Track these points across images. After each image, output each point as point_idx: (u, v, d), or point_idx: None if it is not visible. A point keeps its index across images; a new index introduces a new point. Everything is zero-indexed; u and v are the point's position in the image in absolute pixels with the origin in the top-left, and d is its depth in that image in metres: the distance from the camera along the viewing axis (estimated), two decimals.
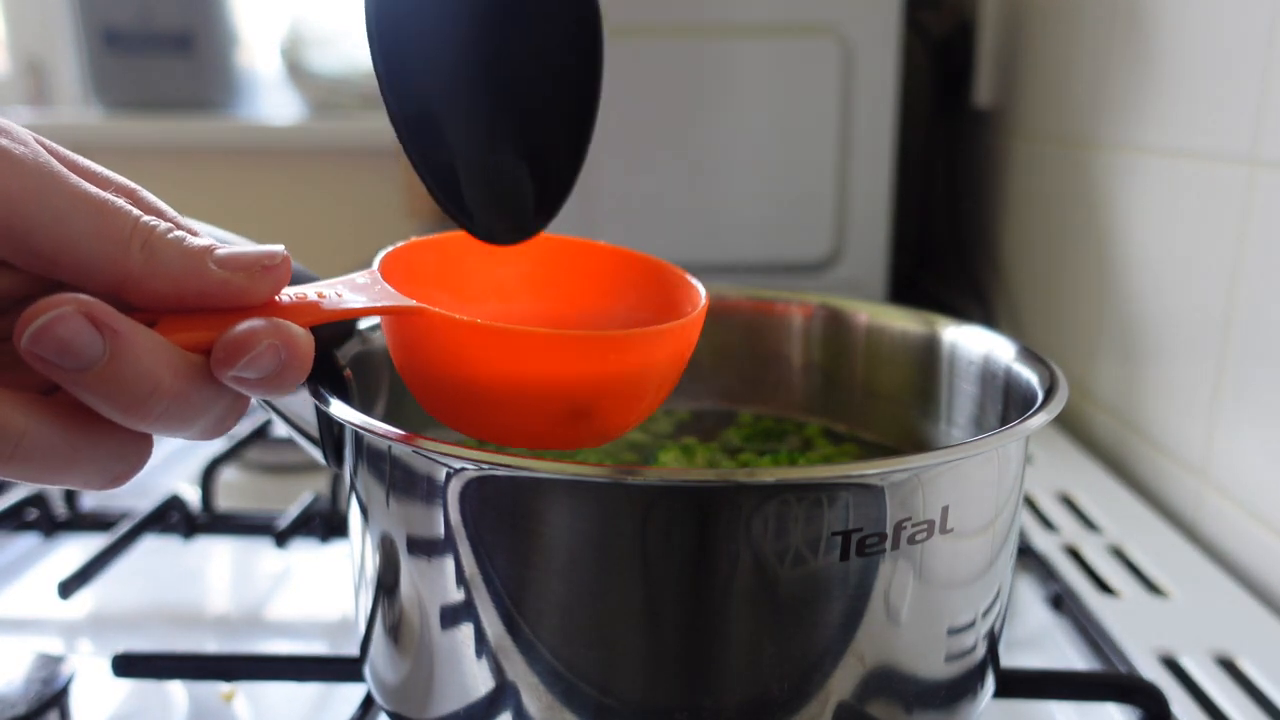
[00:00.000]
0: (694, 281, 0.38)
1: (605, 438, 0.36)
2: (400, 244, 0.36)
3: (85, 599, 0.54)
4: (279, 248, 0.28)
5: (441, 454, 0.31)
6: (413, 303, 0.32)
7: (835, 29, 0.91)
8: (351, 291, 0.31)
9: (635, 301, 0.40)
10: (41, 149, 0.26)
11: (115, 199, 0.26)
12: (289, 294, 0.29)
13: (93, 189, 0.26)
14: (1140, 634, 0.50)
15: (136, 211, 0.27)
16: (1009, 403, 0.41)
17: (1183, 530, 0.64)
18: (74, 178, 0.26)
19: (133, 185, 0.28)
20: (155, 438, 0.28)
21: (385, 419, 0.33)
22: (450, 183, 0.35)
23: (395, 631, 0.35)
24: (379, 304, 0.31)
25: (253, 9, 1.61)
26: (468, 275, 0.39)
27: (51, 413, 0.25)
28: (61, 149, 0.27)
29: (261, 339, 0.26)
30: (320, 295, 0.30)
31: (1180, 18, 0.66)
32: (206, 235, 0.28)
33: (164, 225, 0.27)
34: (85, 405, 0.25)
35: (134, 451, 0.27)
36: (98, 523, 0.59)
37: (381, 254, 0.35)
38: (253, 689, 0.46)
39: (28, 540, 0.61)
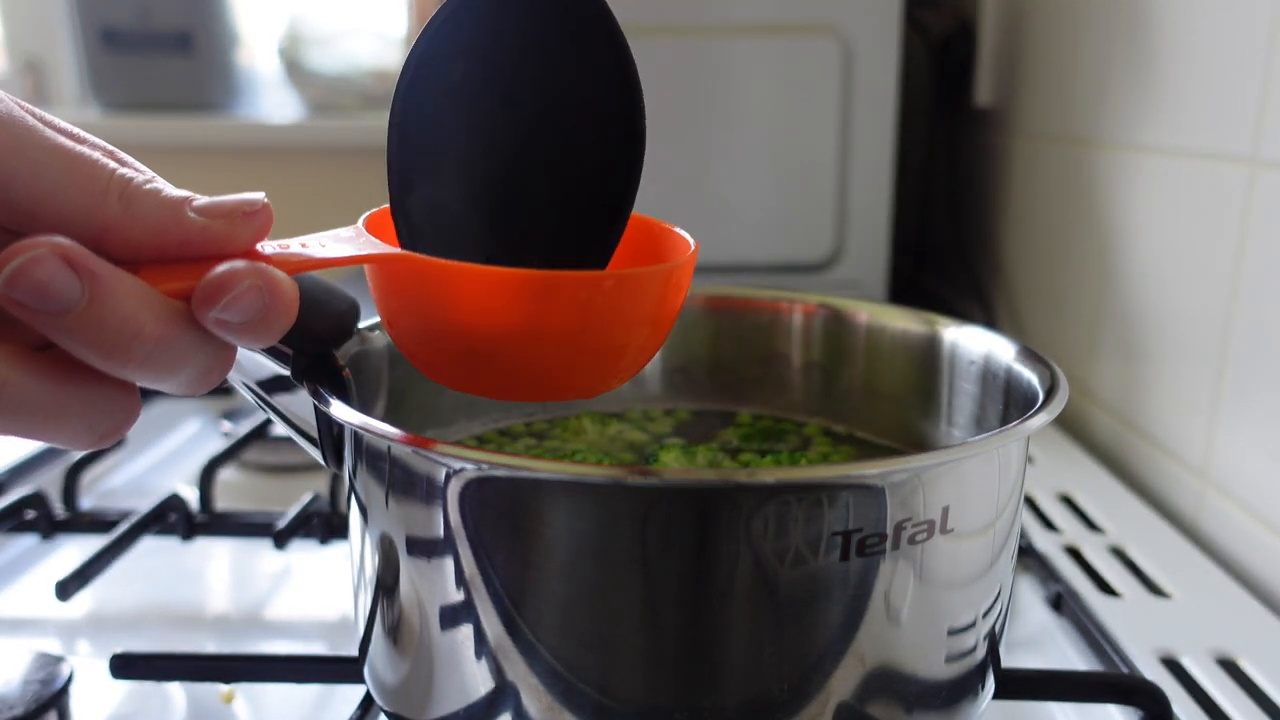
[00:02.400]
0: (682, 233, 0.38)
1: (597, 388, 0.36)
2: (384, 206, 0.36)
3: (84, 599, 0.54)
4: (259, 195, 0.28)
5: (441, 454, 0.31)
6: (398, 250, 0.32)
7: (835, 29, 0.91)
8: (336, 242, 0.31)
9: (625, 257, 0.39)
10: (15, 105, 0.26)
11: (92, 152, 0.26)
12: (272, 246, 0.29)
13: (68, 142, 0.26)
14: (1141, 634, 0.50)
15: (113, 164, 0.27)
16: (1009, 403, 0.41)
17: (1183, 530, 0.64)
18: (49, 131, 0.26)
19: (111, 148, 0.28)
20: (145, 406, 0.28)
21: (385, 419, 0.32)
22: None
23: (395, 632, 0.35)
24: (364, 253, 0.31)
25: (252, 9, 1.61)
26: None
27: (37, 365, 0.25)
28: (37, 110, 0.27)
29: (243, 279, 0.26)
30: (304, 245, 0.30)
31: (1181, 17, 0.66)
32: None
33: (141, 177, 0.27)
34: (72, 360, 0.25)
35: (121, 407, 0.27)
36: (96, 523, 0.59)
37: (365, 215, 0.35)
38: (252, 689, 0.46)
39: (26, 540, 0.61)
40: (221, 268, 0.26)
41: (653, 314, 0.35)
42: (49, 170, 0.25)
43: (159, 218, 0.26)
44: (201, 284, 0.26)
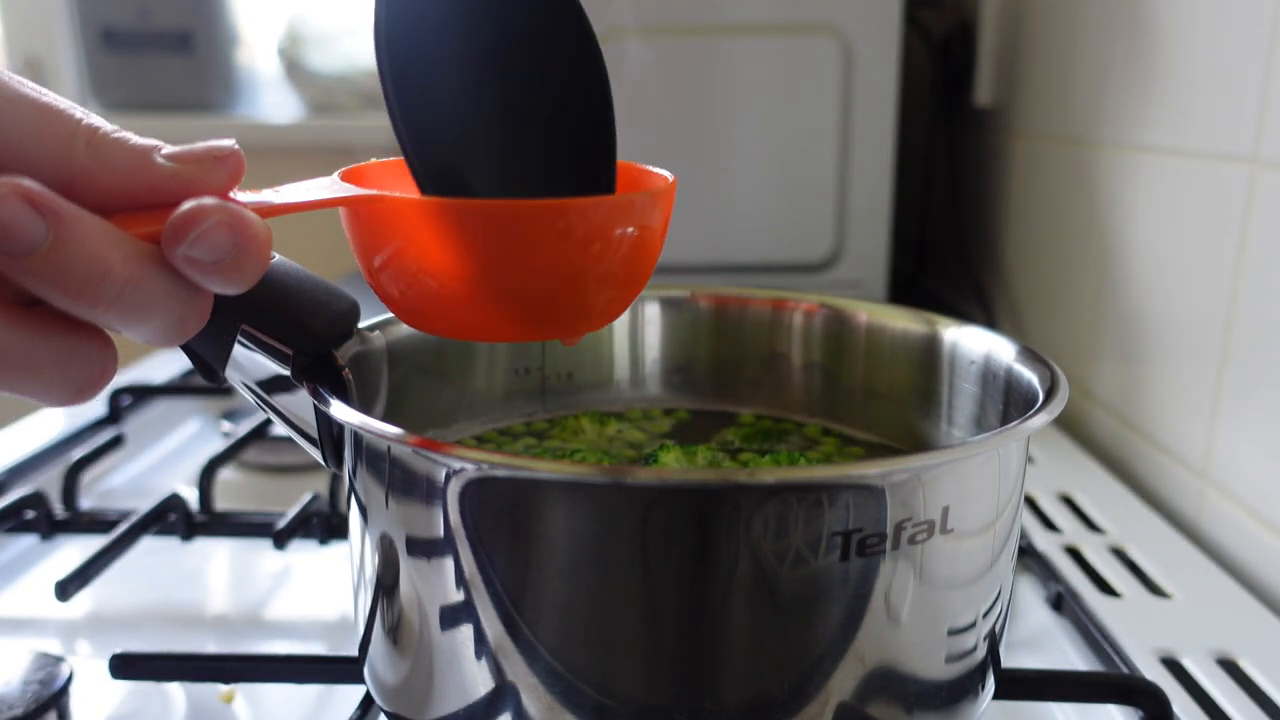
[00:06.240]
0: (661, 171, 0.38)
1: (579, 326, 0.36)
2: (359, 164, 0.36)
3: (84, 599, 0.54)
4: (229, 141, 0.28)
5: (441, 454, 0.31)
6: (372, 192, 0.32)
7: (835, 29, 0.91)
8: (310, 189, 0.31)
9: None
10: None
11: (59, 102, 0.26)
12: (246, 196, 0.29)
13: (34, 93, 0.26)
14: (1141, 634, 0.50)
15: (80, 113, 0.26)
16: (1009, 403, 0.41)
17: (1184, 531, 0.64)
18: (15, 82, 0.26)
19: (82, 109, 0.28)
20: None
21: (385, 419, 0.32)
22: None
23: (395, 632, 0.35)
24: (337, 195, 0.31)
25: (252, 9, 1.61)
26: None
27: (3, 311, 0.25)
28: (3, 70, 0.27)
29: (210, 214, 0.26)
30: (277, 192, 0.30)
31: (1181, 17, 0.66)
32: None
33: (109, 126, 0.27)
34: (45, 310, 0.25)
35: (96, 360, 0.27)
36: (96, 523, 0.59)
37: (340, 170, 0.35)
38: (252, 690, 0.46)
39: (26, 540, 0.61)
40: (188, 203, 0.26)
41: (633, 244, 0.34)
42: (15, 118, 0.25)
43: (127, 164, 0.26)
44: (169, 220, 0.26)
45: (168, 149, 0.27)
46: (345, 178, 0.34)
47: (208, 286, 0.27)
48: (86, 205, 0.25)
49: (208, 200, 0.26)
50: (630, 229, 0.34)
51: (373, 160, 0.37)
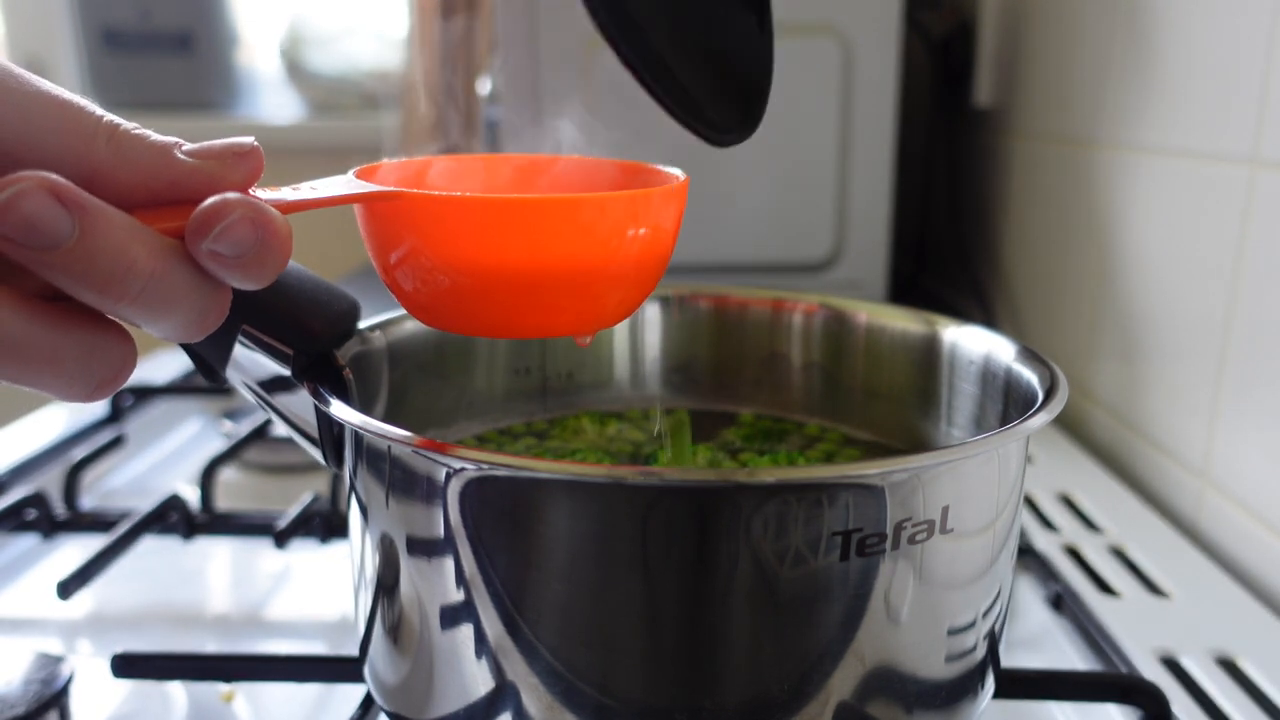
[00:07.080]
0: (673, 170, 0.39)
1: (593, 323, 0.36)
2: (373, 163, 0.37)
3: (85, 599, 0.54)
4: (249, 138, 0.28)
5: (442, 454, 0.31)
6: (390, 188, 0.32)
7: (835, 29, 0.91)
8: (328, 185, 0.32)
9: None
10: None
11: (79, 99, 0.26)
12: (264, 192, 0.29)
13: (55, 90, 0.26)
14: (1140, 634, 0.50)
15: (100, 110, 0.27)
16: (1009, 403, 0.41)
17: (1183, 530, 0.64)
18: (35, 79, 0.26)
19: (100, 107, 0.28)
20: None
21: (385, 419, 0.33)
22: (676, 83, 0.34)
23: (395, 632, 0.35)
24: (356, 192, 0.32)
25: (253, 9, 1.61)
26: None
27: (28, 307, 0.25)
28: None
29: (234, 209, 0.26)
30: (295, 189, 0.30)
31: (1181, 17, 0.66)
32: None
33: (129, 124, 0.27)
34: (67, 304, 0.25)
35: (118, 355, 0.27)
36: (97, 523, 0.59)
37: (354, 169, 0.35)
38: (252, 689, 0.46)
39: (27, 540, 0.61)
40: (213, 198, 0.26)
41: (646, 239, 0.35)
42: (36, 115, 0.25)
43: (149, 160, 0.27)
44: (193, 215, 0.26)
45: (188, 145, 0.27)
46: (360, 176, 0.34)
47: (230, 281, 0.27)
48: (108, 201, 0.25)
49: (231, 195, 0.26)
50: (644, 224, 0.35)
51: (384, 160, 0.38)
